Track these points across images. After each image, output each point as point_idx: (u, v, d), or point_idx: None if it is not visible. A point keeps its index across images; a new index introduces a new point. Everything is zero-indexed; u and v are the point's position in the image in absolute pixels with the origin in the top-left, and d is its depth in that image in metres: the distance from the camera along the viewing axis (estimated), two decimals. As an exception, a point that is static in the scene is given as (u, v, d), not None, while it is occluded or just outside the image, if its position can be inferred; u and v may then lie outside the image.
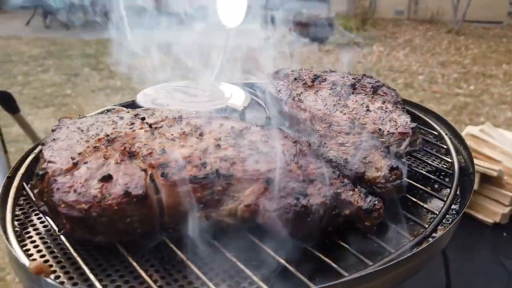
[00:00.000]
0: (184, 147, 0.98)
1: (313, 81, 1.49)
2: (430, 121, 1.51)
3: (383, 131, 1.22)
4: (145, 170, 0.90)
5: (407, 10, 11.04)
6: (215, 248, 0.87)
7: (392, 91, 1.47)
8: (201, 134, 1.04)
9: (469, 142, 2.49)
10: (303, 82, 1.48)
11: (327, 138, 1.19)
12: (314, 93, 1.41)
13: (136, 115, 1.11)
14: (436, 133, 1.46)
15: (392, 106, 1.36)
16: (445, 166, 1.30)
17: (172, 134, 1.02)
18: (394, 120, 1.27)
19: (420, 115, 1.56)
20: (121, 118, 1.09)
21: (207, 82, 1.54)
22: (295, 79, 1.52)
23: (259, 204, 0.88)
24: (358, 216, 0.93)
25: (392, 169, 1.04)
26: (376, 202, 0.93)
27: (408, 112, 1.59)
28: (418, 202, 1.10)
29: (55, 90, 6.84)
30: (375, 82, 1.51)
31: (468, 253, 2.24)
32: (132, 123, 1.06)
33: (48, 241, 0.94)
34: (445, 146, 1.36)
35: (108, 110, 1.36)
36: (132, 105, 1.41)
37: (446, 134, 1.42)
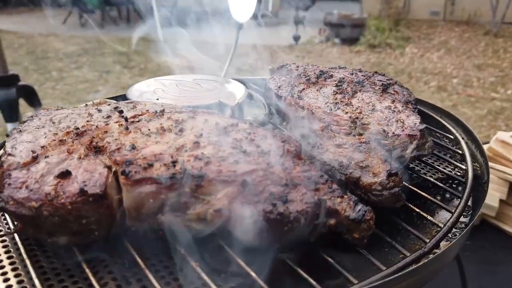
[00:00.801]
0: (158, 144, 0.89)
1: (317, 78, 1.38)
2: (447, 124, 1.37)
3: (388, 133, 1.10)
4: (109, 167, 0.82)
5: (443, 11, 10.67)
6: (179, 256, 0.78)
7: (405, 89, 1.34)
8: (181, 130, 0.96)
9: (498, 148, 2.31)
10: (307, 78, 1.38)
11: (324, 139, 1.09)
12: (317, 90, 1.30)
13: (116, 108, 1.04)
14: (452, 137, 1.32)
15: (402, 106, 1.23)
16: (458, 174, 1.17)
17: (149, 129, 0.95)
18: (401, 121, 1.15)
19: (437, 117, 1.42)
20: (99, 111, 1.02)
21: (206, 77, 1.45)
22: (298, 75, 1.41)
23: (231, 209, 0.79)
24: (345, 227, 0.82)
25: (390, 175, 0.92)
26: (366, 211, 0.81)
27: (423, 113, 1.46)
28: (422, 213, 0.97)
29: (87, 86, 6.96)
30: (387, 79, 1.39)
31: (492, 267, 2.07)
32: (109, 116, 0.99)
33: (7, 239, 0.88)
34: (460, 152, 1.23)
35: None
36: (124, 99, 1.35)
37: (462, 139, 1.28)
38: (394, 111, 1.20)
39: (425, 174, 1.18)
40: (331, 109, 1.18)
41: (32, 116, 0.99)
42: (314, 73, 1.41)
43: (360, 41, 9.11)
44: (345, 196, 0.85)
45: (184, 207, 0.79)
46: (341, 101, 1.23)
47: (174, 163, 0.83)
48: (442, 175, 1.16)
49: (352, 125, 1.12)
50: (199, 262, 0.77)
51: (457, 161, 1.22)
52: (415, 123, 1.13)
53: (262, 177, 0.84)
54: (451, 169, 1.21)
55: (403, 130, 1.11)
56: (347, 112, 1.17)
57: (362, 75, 1.42)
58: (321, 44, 9.40)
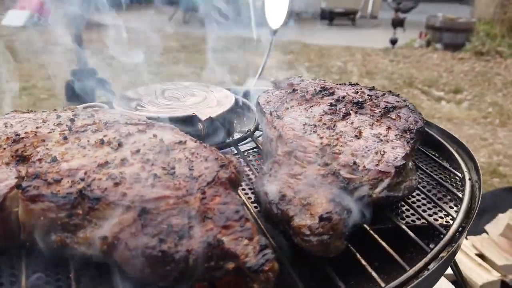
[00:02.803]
0: (84, 157, 0.87)
1: (314, 95, 1.26)
2: (459, 159, 1.17)
3: (358, 166, 0.96)
4: (23, 178, 0.82)
5: None
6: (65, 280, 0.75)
7: (413, 115, 1.18)
8: (120, 145, 0.93)
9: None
10: (301, 94, 1.27)
11: (283, 166, 0.98)
12: (305, 109, 1.19)
13: (75, 115, 1.05)
14: (460, 175, 1.12)
15: (396, 135, 1.08)
16: (444, 224, 0.99)
17: (88, 141, 0.93)
18: (382, 153, 1.00)
19: (452, 149, 1.22)
20: (58, 116, 1.04)
21: (197, 86, 1.41)
22: (294, 90, 1.31)
23: (120, 238, 0.74)
24: (245, 274, 0.73)
25: (321, 219, 0.80)
26: (266, 261, 0.71)
27: (436, 143, 1.27)
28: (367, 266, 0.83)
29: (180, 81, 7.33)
30: (396, 101, 1.23)
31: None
32: (59, 124, 0.99)
33: None
34: (460, 196, 1.04)
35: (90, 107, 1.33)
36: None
37: (470, 180, 1.08)
38: (382, 140, 1.05)
39: (402, 218, 1.01)
40: (305, 133, 1.07)
41: (-5, 118, 1.03)
42: (313, 89, 1.29)
43: (465, 47, 8.36)
44: (254, 239, 0.75)
45: (74, 229, 0.76)
46: (324, 124, 1.11)
47: (82, 180, 0.80)
48: (423, 222, 0.99)
49: (320, 153, 1.00)
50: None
51: (451, 207, 1.03)
52: (396, 158, 0.98)
53: (169, 206, 0.78)
54: (440, 216, 1.02)
55: (376, 165, 0.96)
56: (322, 137, 1.05)
57: (368, 95, 1.27)
58: (420, 48, 8.80)
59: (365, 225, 0.92)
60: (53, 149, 0.89)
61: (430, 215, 1.02)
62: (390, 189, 0.94)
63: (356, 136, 1.06)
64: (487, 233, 2.36)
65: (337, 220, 0.80)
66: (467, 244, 2.28)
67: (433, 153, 1.30)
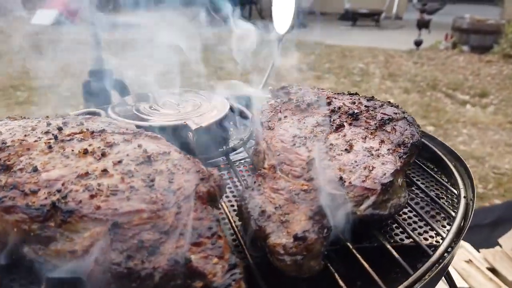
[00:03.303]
0: (66, 167, 0.88)
1: (310, 104, 1.24)
2: (457, 175, 1.13)
3: (345, 181, 0.94)
4: (2, 188, 0.83)
5: None
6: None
7: (410, 128, 1.14)
8: (103, 155, 0.93)
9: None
10: (296, 104, 1.24)
11: (267, 179, 0.97)
12: (298, 120, 1.16)
13: (64, 123, 1.06)
14: (456, 192, 1.08)
15: (389, 149, 1.05)
16: (432, 244, 0.95)
17: (72, 150, 0.94)
18: (371, 168, 0.97)
19: (450, 165, 1.18)
20: (48, 124, 1.05)
21: (195, 94, 1.40)
22: (289, 99, 1.28)
23: (89, 252, 0.74)
24: (213, 293, 0.71)
25: (297, 238, 0.78)
26: (233, 282, 0.70)
27: (436, 158, 1.23)
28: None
29: (200, 81, 7.38)
30: (393, 113, 1.19)
31: None
32: (47, 132, 1.00)
33: None
34: (453, 214, 1.00)
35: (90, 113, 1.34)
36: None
37: (465, 197, 1.04)
38: (373, 154, 1.02)
39: (391, 236, 0.98)
40: (294, 145, 1.05)
41: (-14, 125, 1.05)
42: (310, 99, 1.27)
43: (493, 50, 8.12)
44: (224, 258, 0.74)
45: (47, 241, 0.76)
46: (315, 136, 1.08)
47: (58, 192, 0.80)
48: (411, 242, 0.95)
49: (306, 166, 0.98)
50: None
51: (444, 226, 0.99)
52: (384, 174, 0.95)
53: (143, 220, 0.78)
54: (430, 235, 0.98)
55: (363, 181, 0.94)
56: (310, 151, 1.02)
57: (365, 106, 1.24)
58: (446, 50, 8.59)
59: (348, 244, 0.90)
60: (37, 158, 0.90)
61: (420, 234, 0.99)
62: (375, 207, 0.91)
63: (346, 149, 1.04)
64: (500, 246, 2.28)
65: (312, 240, 0.78)
66: (479, 257, 2.21)
67: (432, 166, 1.26)
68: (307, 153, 1.01)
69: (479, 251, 2.26)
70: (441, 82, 7.07)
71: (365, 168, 0.97)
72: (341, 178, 0.94)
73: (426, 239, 0.97)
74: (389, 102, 1.29)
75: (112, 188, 0.83)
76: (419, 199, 1.10)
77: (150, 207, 0.80)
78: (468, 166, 1.13)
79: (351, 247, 0.89)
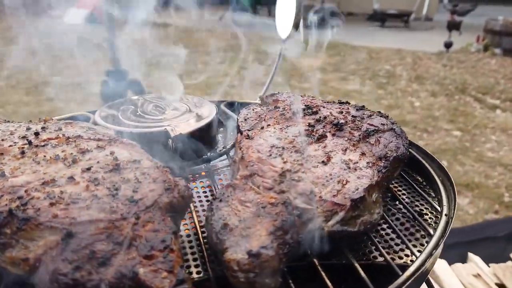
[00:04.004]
0: (33, 174, 0.89)
1: (295, 113, 1.21)
2: (443, 191, 1.08)
3: (315, 195, 0.91)
4: (-30, 193, 0.84)
5: None
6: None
7: (394, 140, 1.10)
8: (74, 161, 0.94)
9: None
10: (281, 112, 1.22)
11: (237, 190, 0.95)
12: (280, 129, 1.14)
13: (43, 128, 1.07)
14: (439, 209, 1.04)
15: (368, 162, 1.01)
16: (403, 264, 0.91)
17: (44, 156, 0.95)
18: (344, 182, 0.94)
19: (438, 179, 1.13)
20: (28, 129, 1.06)
21: (184, 100, 1.39)
22: (276, 107, 1.26)
23: (41, 260, 0.74)
24: (159, 308, 0.70)
25: (250, 255, 0.76)
26: (178, 298, 0.69)
27: (425, 172, 1.18)
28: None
29: (224, 81, 7.40)
30: (380, 124, 1.16)
31: None
32: (24, 137, 1.02)
33: None
34: (432, 232, 0.96)
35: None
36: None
37: (446, 215, 0.99)
38: (350, 167, 0.99)
39: (364, 253, 0.94)
40: (270, 156, 1.03)
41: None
42: (297, 108, 1.24)
43: (528, 53, 7.80)
44: (174, 272, 0.73)
45: (3, 247, 0.77)
46: (294, 147, 1.06)
47: (19, 199, 0.81)
48: (382, 261, 0.91)
49: (279, 179, 0.96)
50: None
51: (421, 244, 0.95)
52: (357, 189, 0.92)
53: (99, 230, 0.77)
54: (405, 254, 0.94)
55: (334, 195, 0.91)
56: (286, 162, 1.00)
57: (352, 115, 1.21)
58: (477, 53, 8.32)
59: (314, 260, 0.87)
60: (8, 163, 0.92)
61: (396, 252, 0.95)
62: (343, 223, 0.88)
63: (323, 161, 1.01)
64: (512, 260, 2.18)
65: (266, 257, 0.76)
66: (488, 271, 2.12)
67: (421, 180, 1.21)
68: (282, 165, 0.99)
69: (489, 266, 2.17)
70: (471, 86, 6.85)
71: (339, 182, 0.95)
72: (311, 192, 0.92)
73: (401, 257, 0.94)
74: (379, 112, 1.25)
75: (75, 196, 0.83)
76: (401, 214, 1.06)
77: (109, 217, 0.80)
78: (453, 180, 1.07)
79: (317, 263, 0.87)
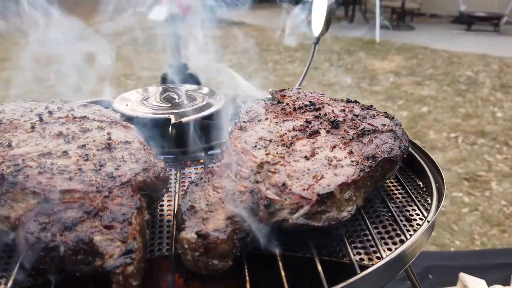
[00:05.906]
0: (36, 146, 1.00)
1: (296, 109, 1.22)
2: (435, 198, 1.04)
3: (286, 188, 0.93)
4: (-20, 158, 0.97)
5: None
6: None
7: (390, 142, 1.09)
8: (73, 138, 1.04)
9: None
10: (282, 107, 1.24)
11: (215, 177, 0.99)
12: (276, 123, 1.16)
13: (59, 107, 1.19)
14: (425, 215, 1.00)
15: (353, 161, 1.01)
16: (372, 263, 0.90)
17: (50, 132, 1.06)
18: (319, 177, 0.94)
19: (434, 186, 1.08)
20: (46, 108, 1.19)
21: (203, 92, 1.45)
22: (279, 102, 1.28)
23: (20, 220, 0.84)
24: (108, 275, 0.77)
25: (198, 235, 0.80)
26: (122, 264, 0.74)
27: (423, 176, 1.14)
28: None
29: (292, 80, 7.43)
30: (381, 125, 1.14)
31: None
32: (39, 114, 1.14)
33: None
34: (408, 236, 0.93)
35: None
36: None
37: (428, 221, 0.95)
38: (331, 164, 0.99)
39: (334, 251, 0.94)
40: (255, 147, 1.05)
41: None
42: (300, 103, 1.25)
43: None
44: (128, 242, 0.79)
45: (-6, 206, 0.88)
46: (282, 140, 1.08)
47: (15, 165, 0.92)
48: (346, 260, 0.90)
49: (256, 169, 0.98)
50: None
51: (391, 249, 0.93)
52: (328, 185, 0.92)
53: (73, 199, 0.86)
54: (376, 257, 0.92)
55: (304, 189, 0.92)
56: (268, 154, 1.02)
57: (355, 114, 1.19)
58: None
59: (276, 250, 0.89)
60: (17, 136, 1.04)
61: (368, 253, 0.93)
62: (308, 217, 0.89)
63: (306, 156, 1.01)
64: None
65: (214, 239, 0.79)
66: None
67: (422, 186, 1.16)
68: (263, 156, 1.01)
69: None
70: None
71: (314, 177, 0.95)
72: (284, 184, 0.93)
73: (371, 259, 0.92)
74: (385, 112, 1.22)
75: (62, 168, 0.93)
76: (384, 217, 1.03)
77: (85, 189, 0.88)
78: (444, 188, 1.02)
79: (277, 253, 0.88)
